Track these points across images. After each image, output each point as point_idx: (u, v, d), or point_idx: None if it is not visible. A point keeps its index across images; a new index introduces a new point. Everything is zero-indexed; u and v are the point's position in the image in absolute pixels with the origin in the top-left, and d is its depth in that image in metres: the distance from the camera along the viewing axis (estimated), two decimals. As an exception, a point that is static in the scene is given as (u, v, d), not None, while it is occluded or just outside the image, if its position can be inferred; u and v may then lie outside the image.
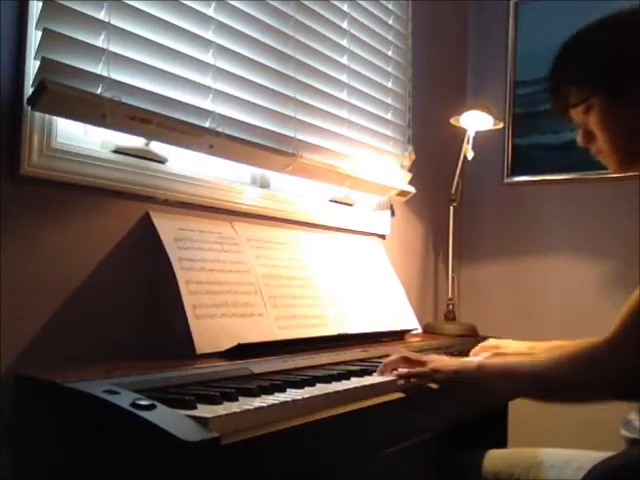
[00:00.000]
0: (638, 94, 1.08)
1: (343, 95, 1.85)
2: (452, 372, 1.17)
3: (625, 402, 1.04)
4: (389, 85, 2.07)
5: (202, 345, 1.22)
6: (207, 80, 1.41)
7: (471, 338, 1.95)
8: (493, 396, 1.39)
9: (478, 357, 1.43)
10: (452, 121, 2.27)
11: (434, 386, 1.22)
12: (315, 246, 1.67)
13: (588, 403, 1.12)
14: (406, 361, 1.22)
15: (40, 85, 1.08)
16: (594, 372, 1.00)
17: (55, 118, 1.17)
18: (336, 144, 1.78)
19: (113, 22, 1.21)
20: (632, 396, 1.03)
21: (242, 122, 1.48)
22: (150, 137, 1.31)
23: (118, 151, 1.29)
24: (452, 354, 1.54)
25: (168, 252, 1.27)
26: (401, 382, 1.18)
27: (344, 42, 1.87)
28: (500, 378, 1.14)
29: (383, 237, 2.11)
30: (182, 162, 1.42)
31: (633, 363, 0.96)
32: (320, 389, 1.03)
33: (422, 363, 1.21)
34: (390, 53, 2.09)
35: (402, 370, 1.20)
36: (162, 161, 1.37)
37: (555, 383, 1.06)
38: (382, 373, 1.21)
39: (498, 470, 1.30)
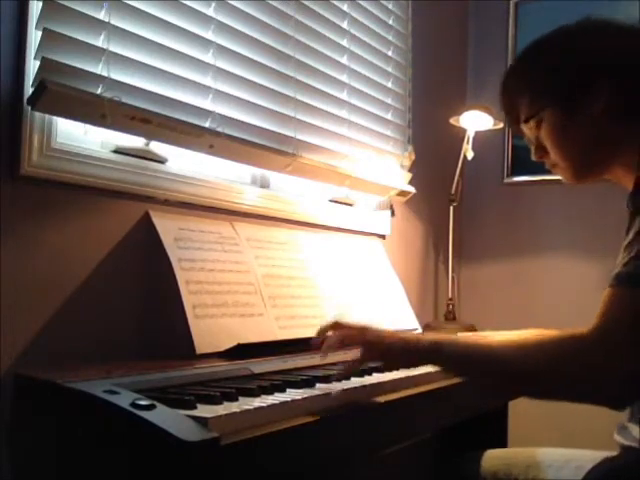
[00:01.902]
0: (590, 107, 1.07)
1: (343, 95, 1.85)
2: (399, 343, 1.06)
3: (603, 406, 0.95)
4: (389, 85, 2.07)
5: (202, 345, 1.22)
6: (207, 80, 1.41)
7: (471, 338, 1.95)
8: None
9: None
10: (452, 121, 2.27)
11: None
12: (315, 246, 1.67)
13: (554, 400, 1.05)
14: (340, 327, 1.13)
15: (40, 85, 1.08)
16: (575, 363, 0.93)
17: (55, 118, 1.17)
18: (336, 144, 1.78)
19: (113, 22, 1.21)
20: (611, 400, 0.95)
21: (242, 122, 1.48)
22: (150, 137, 1.31)
23: (118, 151, 1.29)
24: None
25: (168, 252, 1.27)
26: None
27: (344, 42, 1.87)
28: (457, 362, 1.05)
29: (383, 237, 2.11)
30: (182, 162, 1.42)
31: (614, 365, 0.90)
32: (320, 389, 1.03)
33: (359, 330, 1.10)
34: (390, 53, 2.09)
35: (330, 340, 1.11)
36: (162, 161, 1.37)
37: (519, 372, 0.97)
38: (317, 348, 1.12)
39: (497, 470, 1.30)
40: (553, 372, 0.95)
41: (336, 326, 1.14)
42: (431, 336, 1.08)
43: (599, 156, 1.12)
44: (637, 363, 0.90)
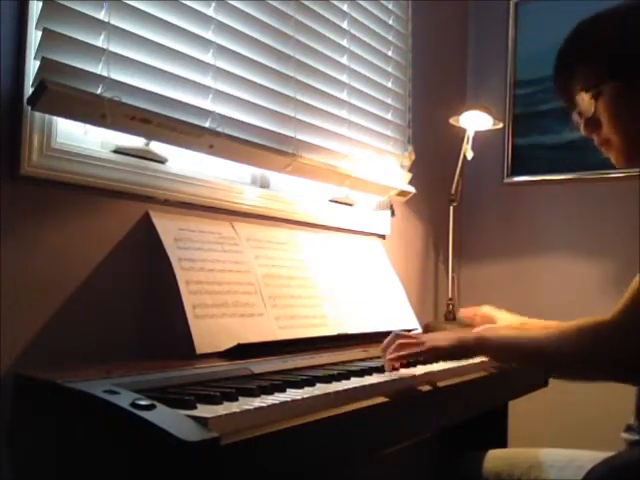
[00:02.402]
0: None
1: (343, 95, 1.85)
2: (452, 346, 1.18)
3: (626, 383, 1.04)
4: (389, 85, 2.07)
5: (202, 345, 1.22)
6: (207, 80, 1.41)
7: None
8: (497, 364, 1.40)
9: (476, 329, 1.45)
10: (452, 121, 2.27)
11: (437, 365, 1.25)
12: (315, 246, 1.67)
13: (587, 380, 1.12)
14: (402, 346, 1.20)
15: (40, 85, 1.08)
16: (600, 347, 1.00)
17: (55, 118, 1.17)
18: (336, 144, 1.78)
19: (113, 22, 1.21)
20: (635, 377, 1.03)
21: (242, 122, 1.48)
22: (150, 137, 1.31)
23: (118, 151, 1.29)
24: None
25: (168, 252, 1.27)
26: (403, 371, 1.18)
27: (344, 42, 1.87)
28: (501, 351, 1.16)
29: (383, 237, 2.11)
30: (182, 162, 1.42)
31: (637, 342, 0.97)
32: (320, 389, 1.03)
33: (418, 344, 1.20)
34: (390, 53, 2.09)
35: (401, 353, 1.19)
36: (162, 161, 1.37)
37: (557, 355, 1.07)
38: (390, 369, 1.20)
39: (498, 470, 1.30)
40: (580, 357, 1.04)
41: (400, 346, 1.21)
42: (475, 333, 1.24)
43: None
44: None
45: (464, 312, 1.55)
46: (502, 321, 1.51)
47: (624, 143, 1.10)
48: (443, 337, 1.22)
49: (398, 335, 1.22)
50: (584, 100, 1.12)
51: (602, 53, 1.10)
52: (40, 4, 1.12)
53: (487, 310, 1.54)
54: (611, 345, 0.99)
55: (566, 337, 1.04)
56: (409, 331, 1.80)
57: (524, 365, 1.25)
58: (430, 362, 1.29)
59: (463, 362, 1.33)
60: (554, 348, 1.07)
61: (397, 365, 1.21)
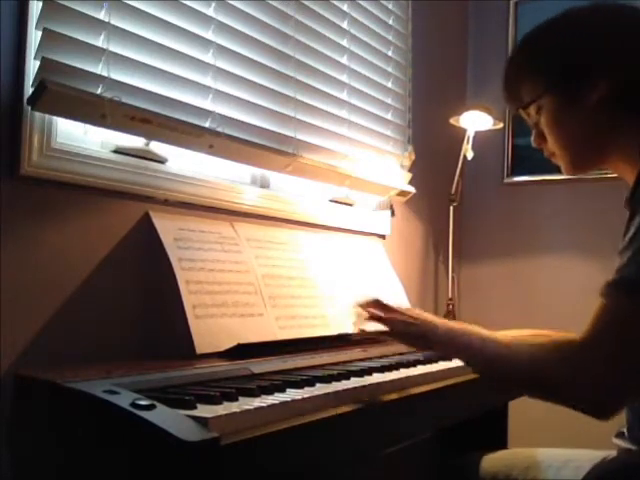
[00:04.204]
0: (588, 96, 1.04)
1: (343, 95, 1.85)
2: (409, 323, 1.11)
3: (589, 414, 0.95)
4: (389, 85, 2.07)
5: (202, 345, 1.22)
6: (207, 80, 1.41)
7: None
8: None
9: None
10: (452, 121, 2.27)
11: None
12: (315, 246, 1.67)
13: (541, 399, 1.06)
14: (378, 306, 1.15)
15: (40, 85, 1.08)
16: (563, 371, 0.94)
17: (55, 118, 1.17)
18: (336, 144, 1.78)
19: (113, 22, 1.21)
20: (597, 410, 0.95)
21: (242, 122, 1.48)
22: (150, 137, 1.31)
23: (118, 151, 1.29)
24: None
25: (168, 252, 1.27)
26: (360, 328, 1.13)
27: (344, 42, 1.87)
28: (460, 350, 1.09)
29: (383, 237, 2.11)
30: (182, 162, 1.42)
31: (600, 375, 0.91)
32: (320, 389, 1.03)
33: (396, 311, 1.14)
34: (390, 53, 2.09)
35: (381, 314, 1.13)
36: (162, 161, 1.37)
37: (510, 370, 1.02)
38: (357, 324, 1.15)
39: (498, 470, 1.30)
40: (542, 375, 0.97)
41: (376, 304, 1.15)
42: (450, 325, 1.13)
43: (595, 146, 1.09)
44: (619, 376, 0.91)
45: None
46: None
47: (565, 154, 1.11)
48: (412, 315, 1.14)
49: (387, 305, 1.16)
50: (528, 115, 1.13)
51: (538, 66, 1.10)
52: (40, 4, 1.12)
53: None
54: (576, 370, 0.93)
55: (541, 353, 0.98)
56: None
57: (475, 371, 1.15)
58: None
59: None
60: (511, 361, 1.01)
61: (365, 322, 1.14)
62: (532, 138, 1.16)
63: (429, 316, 1.15)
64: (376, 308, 1.15)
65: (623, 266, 0.93)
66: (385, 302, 1.16)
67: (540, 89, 1.09)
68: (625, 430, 1.13)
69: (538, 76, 1.10)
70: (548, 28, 1.13)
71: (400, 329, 1.12)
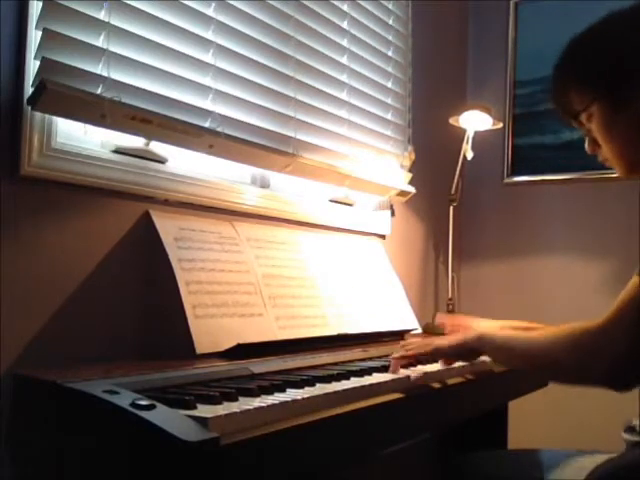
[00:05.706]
0: (637, 101, 1.05)
1: (343, 95, 1.85)
2: (455, 345, 1.22)
3: (610, 389, 1.02)
4: (389, 85, 2.07)
5: (202, 345, 1.22)
6: (207, 80, 1.41)
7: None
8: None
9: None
10: (452, 121, 2.27)
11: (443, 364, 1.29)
12: (315, 246, 1.67)
13: (574, 385, 1.12)
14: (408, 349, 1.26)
15: (40, 85, 1.08)
16: (580, 355, 1.01)
17: (55, 118, 1.17)
18: (336, 144, 1.78)
19: (113, 22, 1.21)
20: (616, 383, 1.01)
21: (242, 122, 1.48)
22: (150, 137, 1.31)
23: (118, 151, 1.29)
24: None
25: (168, 252, 1.27)
26: (415, 376, 1.20)
27: (344, 42, 1.87)
28: (497, 350, 1.18)
29: (383, 237, 2.11)
30: (182, 162, 1.42)
31: (620, 349, 0.96)
32: (320, 389, 1.03)
33: (424, 345, 1.26)
34: (390, 53, 2.09)
35: (407, 353, 1.24)
36: (162, 161, 1.37)
37: (543, 362, 1.09)
38: (394, 369, 1.23)
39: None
40: (568, 362, 1.04)
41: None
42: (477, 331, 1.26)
43: None
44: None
45: (441, 318, 1.56)
46: (481, 329, 1.52)
47: (619, 160, 1.12)
48: (447, 339, 1.25)
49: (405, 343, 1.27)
50: (581, 122, 1.15)
51: (585, 75, 1.11)
52: (40, 4, 1.12)
53: (464, 319, 1.56)
54: (593, 354, 0.99)
55: (558, 343, 1.05)
56: (409, 331, 1.81)
57: (519, 367, 1.26)
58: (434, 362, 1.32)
59: (462, 362, 1.33)
60: (544, 354, 1.08)
61: (401, 365, 1.24)
62: (586, 145, 1.17)
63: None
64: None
65: None
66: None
67: (589, 97, 1.10)
68: (637, 424, 1.15)
69: (586, 85, 1.11)
70: (592, 35, 1.13)
71: (445, 352, 1.25)
